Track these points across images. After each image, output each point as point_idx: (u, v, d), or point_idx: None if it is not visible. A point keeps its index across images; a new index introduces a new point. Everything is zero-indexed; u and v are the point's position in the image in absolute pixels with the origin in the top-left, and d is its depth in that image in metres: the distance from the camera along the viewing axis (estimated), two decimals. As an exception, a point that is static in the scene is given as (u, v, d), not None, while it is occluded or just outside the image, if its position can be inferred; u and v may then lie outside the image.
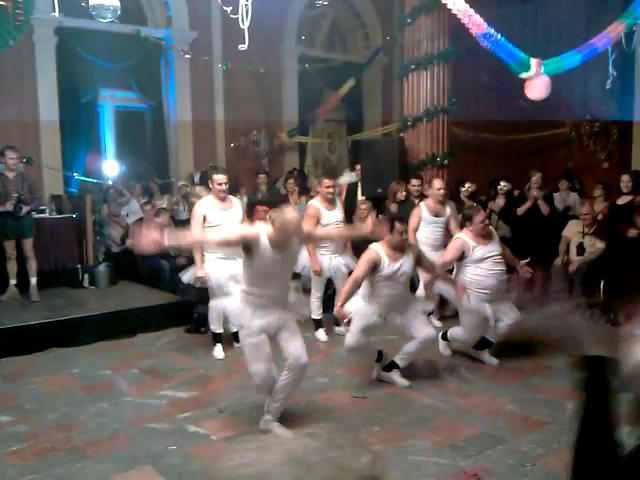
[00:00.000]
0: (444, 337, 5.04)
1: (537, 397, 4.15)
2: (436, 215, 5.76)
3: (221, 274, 4.73)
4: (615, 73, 8.79)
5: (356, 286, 4.28)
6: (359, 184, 7.46)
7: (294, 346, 3.59)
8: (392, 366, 4.46)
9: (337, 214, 5.45)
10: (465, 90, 8.43)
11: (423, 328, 4.36)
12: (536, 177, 6.52)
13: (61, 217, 6.93)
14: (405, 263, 4.27)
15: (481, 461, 3.27)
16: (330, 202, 5.43)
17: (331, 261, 5.48)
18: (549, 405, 3.98)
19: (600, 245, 6.18)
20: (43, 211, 6.70)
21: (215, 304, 4.82)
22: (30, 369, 4.94)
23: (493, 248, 4.74)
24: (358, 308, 4.31)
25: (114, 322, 5.72)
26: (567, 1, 10.12)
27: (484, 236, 4.74)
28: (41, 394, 4.42)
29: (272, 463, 0.90)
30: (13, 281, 6.11)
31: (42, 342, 5.34)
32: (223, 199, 4.94)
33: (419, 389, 4.32)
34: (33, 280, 6.20)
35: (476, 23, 6.36)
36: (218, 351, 5.12)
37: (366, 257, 4.23)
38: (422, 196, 6.18)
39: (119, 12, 5.93)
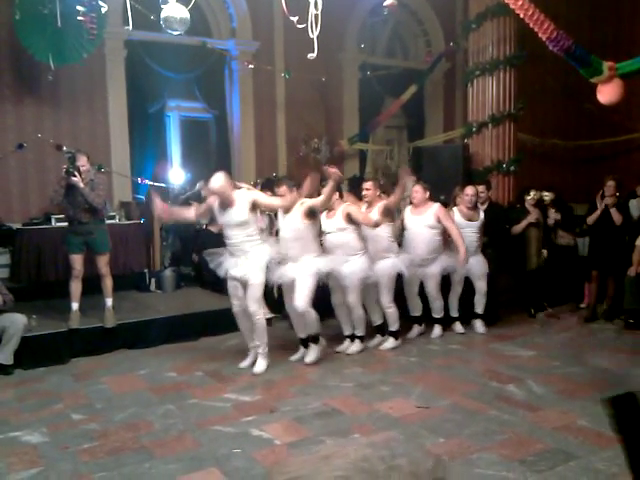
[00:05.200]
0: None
1: (611, 413, 3.95)
2: (469, 220, 5.90)
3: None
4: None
5: None
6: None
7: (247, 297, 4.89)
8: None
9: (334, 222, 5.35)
10: (532, 95, 8.20)
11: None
12: (609, 184, 6.25)
13: (129, 223, 7.18)
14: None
15: (552, 477, 3.14)
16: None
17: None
18: (624, 422, 3.79)
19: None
20: (113, 217, 6.93)
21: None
22: (99, 369, 5.13)
23: (423, 219, 5.62)
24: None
25: (179, 325, 5.87)
26: (640, 1, 9.73)
27: (419, 208, 5.67)
28: (110, 394, 4.57)
29: (333, 474, 0.87)
30: (76, 305, 5.49)
31: (111, 343, 5.55)
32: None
33: (484, 401, 4.20)
34: (109, 302, 5.62)
35: (545, 27, 6.19)
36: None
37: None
38: (490, 202, 6.18)
39: (189, 24, 6.08)
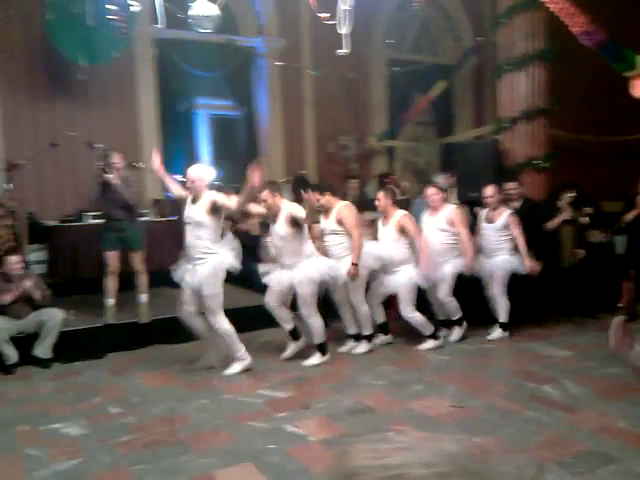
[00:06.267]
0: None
1: (651, 415, 3.89)
2: (489, 221, 5.77)
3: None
4: None
5: None
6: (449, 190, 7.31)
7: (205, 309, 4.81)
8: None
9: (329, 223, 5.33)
10: (563, 90, 8.07)
11: None
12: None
13: (162, 220, 7.26)
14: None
15: (592, 480, 3.11)
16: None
17: None
18: (665, 424, 3.72)
19: None
20: (146, 214, 7.02)
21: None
22: (135, 364, 5.22)
23: (435, 221, 5.58)
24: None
25: (211, 322, 5.91)
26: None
27: (436, 210, 5.62)
28: (145, 388, 4.65)
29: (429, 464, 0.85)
30: (111, 300, 5.63)
31: (146, 338, 5.63)
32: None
33: (520, 401, 4.16)
34: (143, 297, 5.75)
35: (577, 21, 6.09)
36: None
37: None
38: (525, 199, 6.19)
39: (218, 22, 6.12)
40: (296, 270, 4.93)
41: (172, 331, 5.71)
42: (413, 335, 5.59)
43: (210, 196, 4.74)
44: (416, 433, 0.84)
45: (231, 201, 4.74)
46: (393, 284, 5.37)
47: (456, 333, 5.72)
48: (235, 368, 4.91)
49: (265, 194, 4.86)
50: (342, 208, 5.24)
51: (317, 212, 5.28)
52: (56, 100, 7.70)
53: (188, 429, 3.86)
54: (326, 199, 5.27)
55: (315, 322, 5.03)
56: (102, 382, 4.80)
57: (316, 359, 5.10)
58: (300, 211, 4.86)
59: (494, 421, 3.83)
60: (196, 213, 4.72)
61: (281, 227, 4.90)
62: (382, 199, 5.43)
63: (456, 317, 5.72)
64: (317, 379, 4.75)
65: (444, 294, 5.59)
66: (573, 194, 6.46)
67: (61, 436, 3.81)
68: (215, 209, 4.69)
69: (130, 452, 3.54)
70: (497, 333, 5.72)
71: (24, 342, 5.16)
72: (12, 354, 5.06)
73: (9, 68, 7.45)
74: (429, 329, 5.48)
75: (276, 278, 5.02)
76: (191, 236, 4.73)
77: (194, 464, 3.37)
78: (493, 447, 3.40)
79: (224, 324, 4.82)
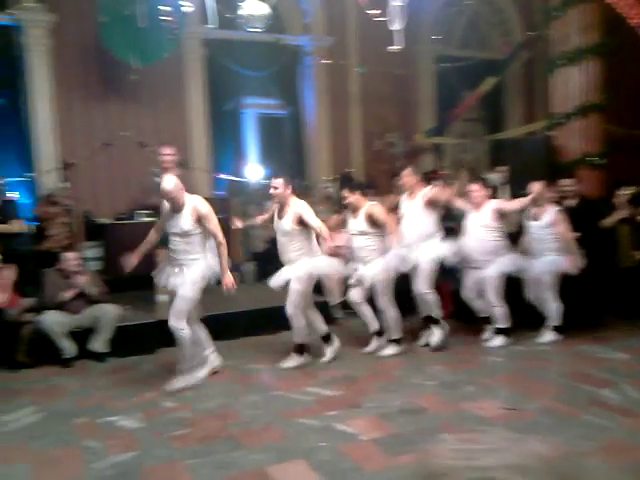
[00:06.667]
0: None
1: None
2: (534, 219, 5.57)
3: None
4: None
5: None
6: (499, 187, 7.18)
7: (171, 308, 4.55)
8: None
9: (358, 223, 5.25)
10: (620, 85, 7.80)
11: None
12: None
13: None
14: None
15: (657, 488, 2.99)
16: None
17: None
18: None
19: None
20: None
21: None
22: (186, 359, 5.29)
23: (479, 217, 5.40)
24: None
25: (260, 319, 5.98)
26: None
27: (479, 207, 5.43)
28: (198, 384, 4.70)
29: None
30: (164, 297, 5.61)
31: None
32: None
33: (576, 405, 4.04)
34: None
35: (636, 12, 5.88)
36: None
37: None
38: (583, 197, 6.04)
39: (269, 20, 6.18)
40: (294, 266, 4.89)
41: (223, 327, 5.79)
42: (465, 335, 5.53)
43: (194, 204, 4.54)
44: (503, 433, 0.82)
45: (214, 220, 4.58)
46: (419, 260, 5.27)
47: (497, 341, 5.44)
48: (179, 382, 4.59)
49: (278, 182, 4.83)
50: (371, 206, 5.18)
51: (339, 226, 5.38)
52: (109, 100, 7.91)
53: (239, 425, 3.90)
54: (355, 198, 5.19)
55: (299, 323, 4.97)
56: (156, 376, 4.89)
57: (294, 360, 5.06)
58: (308, 212, 4.82)
59: (550, 425, 3.73)
60: (183, 223, 4.52)
61: (287, 224, 4.85)
62: (408, 176, 5.40)
63: (501, 325, 5.45)
64: (367, 378, 4.73)
65: (491, 297, 5.38)
66: (631, 191, 6.24)
67: (117, 429, 3.91)
68: (200, 220, 4.57)
69: (184, 446, 3.60)
70: (548, 336, 5.52)
71: (82, 336, 5.33)
72: (70, 348, 5.23)
73: (64, 70, 7.70)
74: (438, 311, 5.40)
75: (276, 276, 4.98)
76: (179, 243, 4.57)
77: (246, 459, 3.41)
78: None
79: (184, 331, 4.53)
